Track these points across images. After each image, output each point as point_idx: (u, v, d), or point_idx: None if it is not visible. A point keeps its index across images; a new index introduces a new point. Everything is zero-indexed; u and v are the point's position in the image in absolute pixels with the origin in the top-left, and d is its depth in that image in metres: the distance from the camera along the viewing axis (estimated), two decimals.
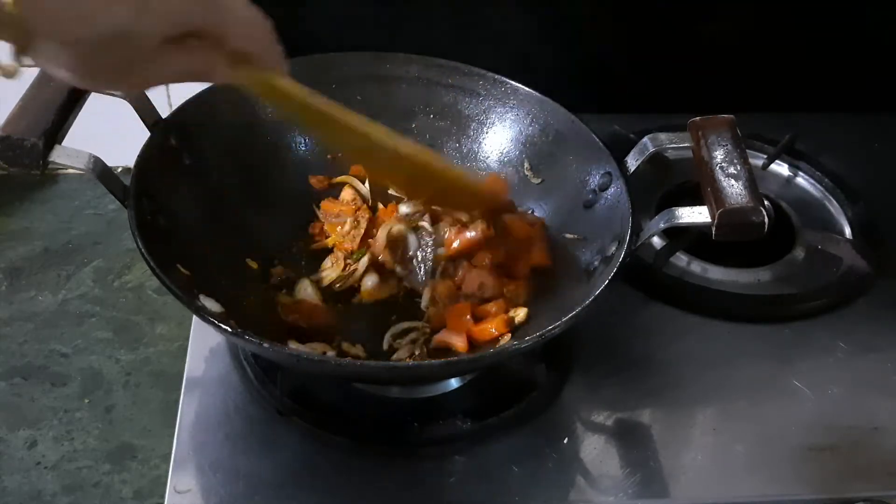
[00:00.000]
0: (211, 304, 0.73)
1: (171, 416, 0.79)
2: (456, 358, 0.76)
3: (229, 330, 0.66)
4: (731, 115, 0.80)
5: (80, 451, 0.95)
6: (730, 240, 0.72)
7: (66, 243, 1.17)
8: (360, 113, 0.86)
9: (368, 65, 0.93)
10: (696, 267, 0.96)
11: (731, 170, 0.75)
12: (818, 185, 1.08)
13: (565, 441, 0.78)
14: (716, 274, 0.96)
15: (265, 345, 0.67)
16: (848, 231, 1.02)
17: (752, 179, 0.74)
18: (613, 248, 0.78)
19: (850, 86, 1.16)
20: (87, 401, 1.00)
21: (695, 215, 0.74)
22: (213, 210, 0.83)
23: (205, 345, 0.84)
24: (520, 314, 0.81)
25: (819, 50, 1.15)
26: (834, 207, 1.06)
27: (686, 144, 0.80)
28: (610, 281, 0.72)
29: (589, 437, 0.79)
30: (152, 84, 0.54)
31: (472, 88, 0.93)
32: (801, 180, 1.10)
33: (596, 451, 0.77)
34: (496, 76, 0.92)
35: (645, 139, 0.82)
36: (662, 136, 0.82)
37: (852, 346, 0.89)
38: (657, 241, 0.97)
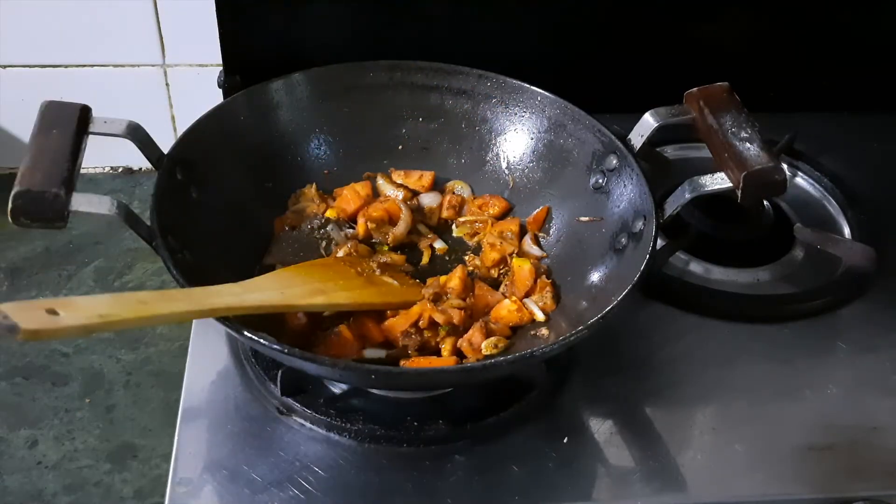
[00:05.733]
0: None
1: (172, 416, 0.79)
2: (501, 358, 0.74)
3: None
4: (726, 83, 0.81)
5: (80, 450, 0.95)
6: (755, 201, 0.73)
7: (66, 243, 1.16)
8: (348, 122, 0.93)
9: (350, 75, 0.93)
10: (696, 267, 0.96)
11: (743, 134, 0.77)
12: (817, 185, 1.08)
13: (565, 441, 0.78)
14: (715, 274, 0.96)
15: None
16: (847, 231, 1.02)
17: (764, 140, 0.76)
18: (641, 224, 0.79)
19: (850, 86, 1.16)
20: (87, 400, 1.00)
21: (717, 181, 0.76)
22: (224, 241, 0.83)
23: (205, 344, 0.84)
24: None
25: (819, 50, 1.15)
26: (833, 207, 1.06)
27: (689, 115, 0.81)
28: (652, 249, 0.75)
29: (589, 437, 0.79)
30: None
31: (457, 87, 0.93)
32: (801, 180, 1.10)
33: (596, 451, 0.78)
34: (480, 72, 0.92)
35: (645, 115, 0.82)
36: (662, 109, 0.82)
37: (852, 345, 0.89)
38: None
